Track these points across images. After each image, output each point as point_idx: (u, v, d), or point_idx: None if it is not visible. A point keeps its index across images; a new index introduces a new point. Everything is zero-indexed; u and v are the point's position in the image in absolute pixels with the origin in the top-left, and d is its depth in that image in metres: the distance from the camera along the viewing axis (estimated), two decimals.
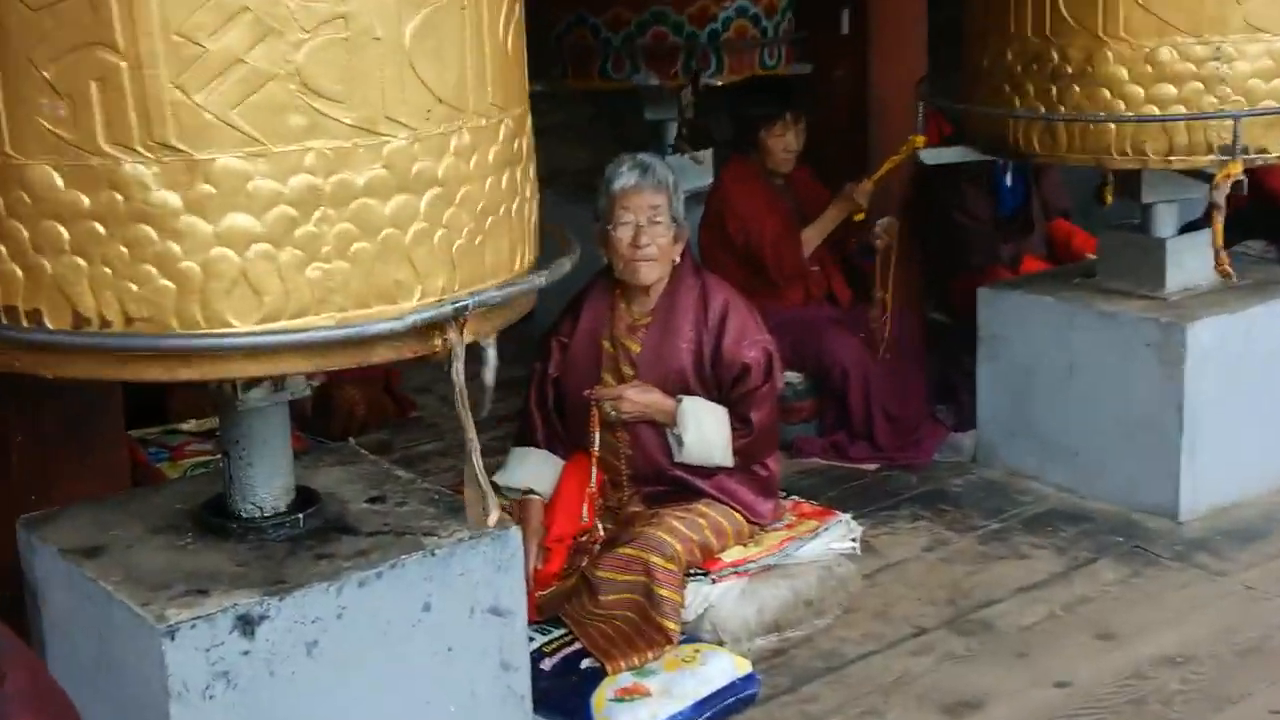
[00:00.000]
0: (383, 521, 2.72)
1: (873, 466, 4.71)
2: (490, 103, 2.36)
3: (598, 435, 3.56)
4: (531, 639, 3.24)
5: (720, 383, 3.56)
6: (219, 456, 2.82)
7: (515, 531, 2.72)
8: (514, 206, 2.46)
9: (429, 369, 5.74)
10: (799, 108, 4.96)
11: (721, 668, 3.27)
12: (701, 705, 3.19)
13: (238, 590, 2.44)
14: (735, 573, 3.51)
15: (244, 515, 2.65)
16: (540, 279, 2.46)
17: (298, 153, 2.16)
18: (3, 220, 2.19)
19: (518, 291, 2.43)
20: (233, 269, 2.17)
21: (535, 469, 3.61)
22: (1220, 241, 4.01)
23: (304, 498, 2.73)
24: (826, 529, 3.69)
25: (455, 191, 2.31)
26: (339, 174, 2.19)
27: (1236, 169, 3.95)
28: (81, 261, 2.16)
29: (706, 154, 6.07)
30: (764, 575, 3.56)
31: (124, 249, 2.15)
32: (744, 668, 3.30)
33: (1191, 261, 4.36)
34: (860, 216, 4.86)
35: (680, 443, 3.50)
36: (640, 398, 3.52)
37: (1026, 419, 4.57)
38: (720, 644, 3.41)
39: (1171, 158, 4.00)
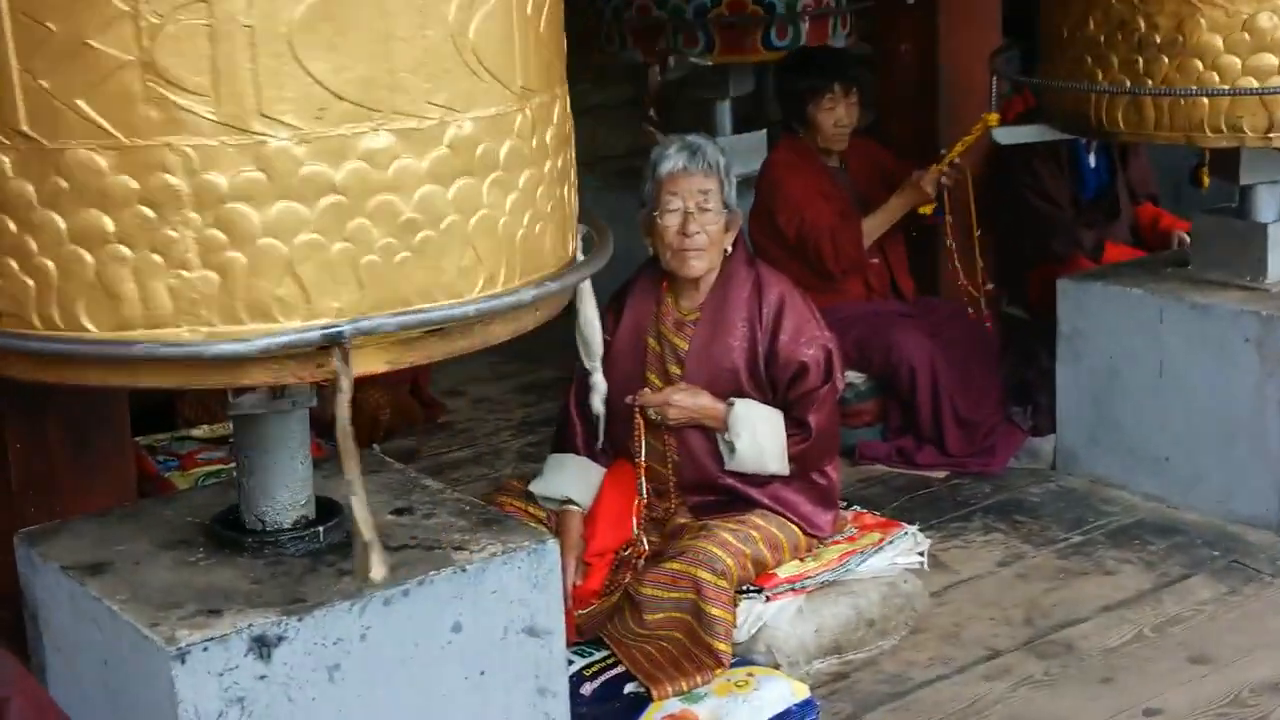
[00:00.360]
0: (409, 535, 2.72)
1: (942, 474, 4.69)
2: (428, 101, 2.21)
3: (643, 443, 3.55)
4: (570, 662, 3.25)
5: (775, 383, 3.55)
6: (232, 465, 2.83)
7: (553, 545, 2.71)
8: (468, 221, 2.29)
9: (459, 369, 5.78)
10: (851, 79, 4.90)
11: (777, 693, 3.25)
12: None
13: (253, 610, 2.45)
14: (792, 590, 3.49)
15: (260, 529, 2.66)
16: (461, 309, 2.29)
17: (156, 148, 2.12)
18: None
19: (416, 320, 2.25)
20: (88, 270, 2.16)
21: (574, 477, 3.60)
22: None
23: (324, 510, 2.73)
24: (891, 542, 3.68)
25: (362, 203, 2.19)
26: (203, 175, 2.14)
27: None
28: None
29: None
30: (823, 592, 3.55)
31: None
32: (801, 693, 3.28)
33: None
34: (928, 210, 4.81)
35: (732, 449, 3.49)
36: (688, 402, 3.51)
37: (1111, 422, 4.53)
38: (775, 667, 3.40)
39: (1271, 134, 3.95)
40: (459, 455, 5.02)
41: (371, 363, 2.25)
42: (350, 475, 2.26)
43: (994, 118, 4.50)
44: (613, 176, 6.28)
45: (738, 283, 3.58)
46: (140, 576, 2.59)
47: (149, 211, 2.14)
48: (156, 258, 2.15)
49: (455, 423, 5.29)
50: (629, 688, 3.28)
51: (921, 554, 3.72)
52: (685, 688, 3.24)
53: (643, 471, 3.57)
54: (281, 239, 2.17)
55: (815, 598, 3.53)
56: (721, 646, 3.28)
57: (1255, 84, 3.91)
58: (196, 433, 4.52)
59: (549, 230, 2.45)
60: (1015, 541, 4.24)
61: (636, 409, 3.53)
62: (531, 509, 3.59)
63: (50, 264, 2.18)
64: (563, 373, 3.69)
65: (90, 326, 2.18)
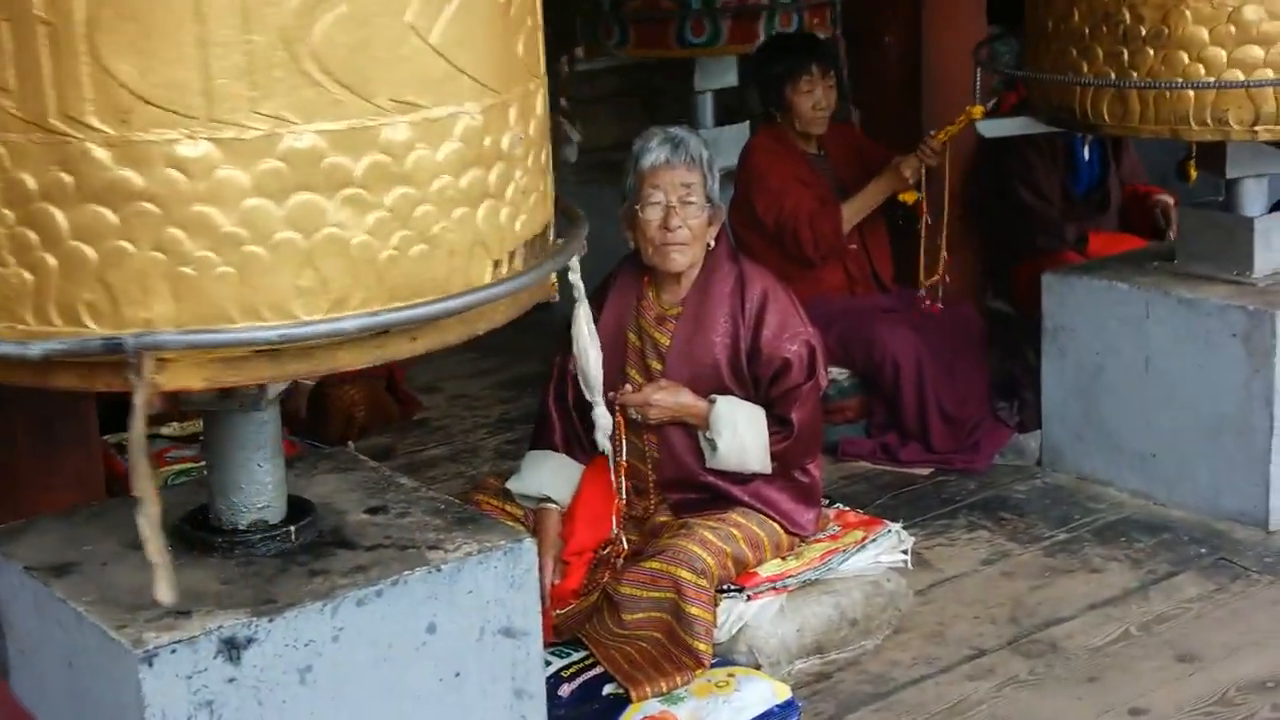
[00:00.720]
0: (383, 534, 2.71)
1: (926, 471, 4.68)
2: (254, 110, 2.09)
3: (623, 442, 3.53)
4: (548, 663, 3.23)
5: (758, 380, 3.54)
6: (202, 464, 2.81)
7: (530, 544, 2.70)
8: (308, 239, 2.16)
9: (436, 365, 5.76)
10: (828, 61, 4.91)
11: (758, 694, 3.25)
12: None
13: (223, 611, 2.43)
14: (773, 589, 3.49)
15: (230, 528, 2.64)
16: (272, 331, 2.17)
17: None
18: None
19: (214, 340, 2.14)
20: None
21: (552, 474, 3.59)
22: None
23: (296, 508, 2.71)
24: (874, 540, 3.67)
25: (173, 212, 2.09)
26: (13, 172, 2.09)
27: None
28: None
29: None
30: (805, 591, 3.54)
31: None
32: (783, 694, 3.28)
33: None
34: (910, 198, 4.80)
35: (714, 448, 3.48)
36: (669, 400, 3.49)
37: (1097, 418, 4.53)
38: (756, 667, 3.39)
39: (1258, 128, 3.95)
40: (435, 453, 5.01)
41: (187, 378, 2.16)
42: (140, 492, 2.15)
43: (979, 110, 4.49)
44: (593, 170, 6.27)
45: (720, 277, 3.57)
46: (107, 577, 2.57)
47: None
48: None
49: (432, 419, 5.28)
50: (608, 689, 3.27)
51: (905, 552, 3.72)
52: (665, 689, 3.23)
53: (622, 470, 3.56)
54: (89, 243, 2.11)
55: (797, 597, 3.52)
56: (702, 647, 3.27)
57: (1241, 76, 3.91)
58: (166, 430, 4.48)
59: (439, 254, 2.29)
60: (1000, 539, 4.24)
61: (616, 408, 3.51)
62: (509, 507, 3.57)
63: None
64: (543, 368, 3.67)
65: None
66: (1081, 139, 5.16)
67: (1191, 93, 3.94)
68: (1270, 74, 3.89)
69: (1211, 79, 3.92)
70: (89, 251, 2.11)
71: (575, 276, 2.55)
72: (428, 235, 2.27)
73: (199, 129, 2.09)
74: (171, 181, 2.10)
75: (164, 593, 2.18)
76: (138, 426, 2.11)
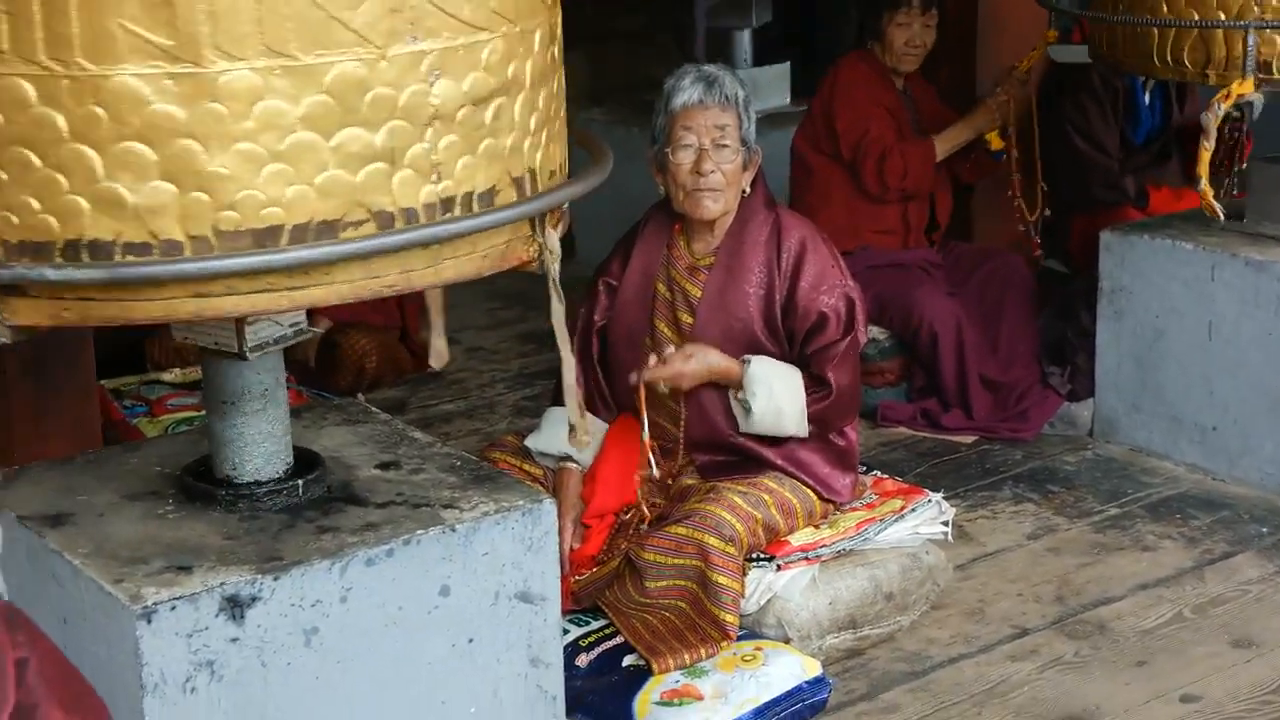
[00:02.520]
0: (395, 491, 2.72)
1: (970, 439, 4.69)
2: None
3: (646, 417, 3.50)
4: (566, 631, 3.25)
5: (792, 334, 3.54)
6: (205, 412, 2.83)
7: (550, 505, 2.71)
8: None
9: (453, 315, 5.75)
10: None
11: (787, 669, 3.26)
12: (762, 712, 3.18)
13: (226, 567, 2.45)
14: (805, 558, 3.49)
15: (234, 480, 2.66)
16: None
17: None
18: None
19: None
20: None
21: None
22: (1204, 173, 4.04)
23: (304, 462, 2.73)
24: (913, 510, 3.67)
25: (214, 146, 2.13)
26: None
27: (1245, 88, 4.00)
28: None
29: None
30: (838, 562, 3.55)
31: None
32: (813, 670, 3.29)
33: None
34: (996, 141, 4.85)
35: (747, 411, 3.48)
36: (698, 367, 3.47)
37: (1155, 387, 4.52)
38: (786, 641, 3.40)
39: (1208, 71, 4.04)
40: (450, 408, 5.03)
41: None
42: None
43: (1052, 34, 4.49)
44: (623, 109, 6.26)
45: (755, 226, 3.56)
46: (104, 529, 2.59)
47: None
48: None
49: (447, 372, 5.29)
50: (628, 660, 3.29)
51: (946, 524, 3.72)
52: (688, 661, 3.25)
53: (648, 446, 3.55)
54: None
55: (830, 568, 3.53)
56: (728, 618, 3.28)
57: (1196, 16, 4.01)
58: (167, 377, 4.52)
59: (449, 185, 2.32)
60: (1047, 513, 4.24)
61: (639, 390, 3.48)
62: (527, 466, 3.58)
63: None
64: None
65: None
66: (1142, 83, 5.12)
67: (1156, 31, 4.07)
68: (1217, 16, 4.01)
69: (1173, 19, 4.05)
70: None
71: (553, 266, 2.52)
72: (450, 170, 2.29)
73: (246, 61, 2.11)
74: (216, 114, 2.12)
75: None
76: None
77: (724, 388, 3.53)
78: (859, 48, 5.05)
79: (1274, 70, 4.07)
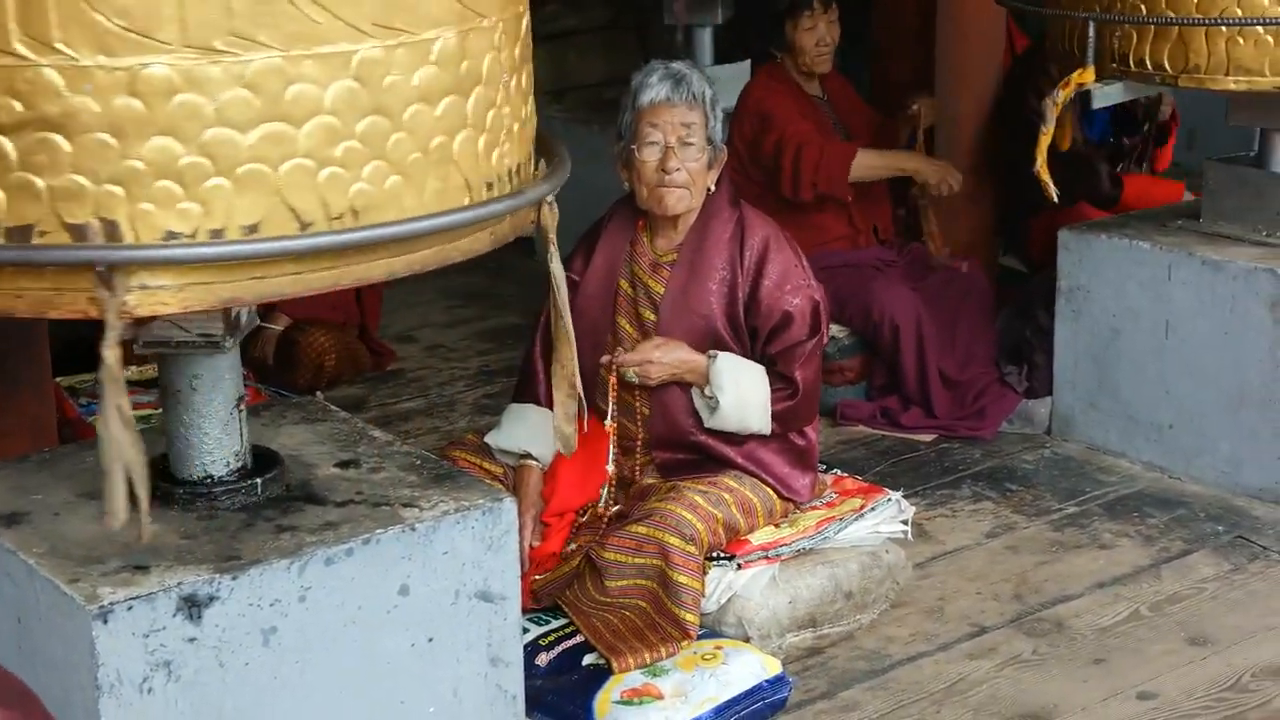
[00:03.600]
0: (355, 490, 2.71)
1: (929, 437, 4.70)
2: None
3: (613, 402, 3.52)
4: (526, 630, 3.24)
5: (755, 333, 3.54)
6: (161, 410, 2.81)
7: (510, 504, 2.71)
8: (272, 169, 2.16)
9: (412, 313, 5.74)
10: None
11: (747, 668, 3.26)
12: (722, 710, 3.19)
13: (183, 567, 2.44)
14: (765, 557, 3.50)
15: (191, 479, 2.65)
16: None
17: None
18: None
19: None
20: None
21: (535, 430, 3.58)
22: (1042, 157, 4.13)
23: (263, 460, 2.72)
24: (873, 509, 3.68)
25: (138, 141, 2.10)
26: None
27: (1086, 77, 4.08)
28: None
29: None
30: (798, 561, 3.56)
31: None
32: (773, 668, 3.29)
33: None
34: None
35: (713, 407, 3.48)
36: (668, 358, 3.48)
37: (1112, 386, 4.55)
38: (746, 640, 3.40)
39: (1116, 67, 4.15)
40: (410, 406, 5.01)
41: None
42: (110, 431, 2.16)
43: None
44: (582, 108, 6.25)
45: (719, 224, 3.56)
46: (59, 528, 2.57)
47: None
48: None
49: (406, 371, 5.28)
50: (588, 659, 3.29)
51: (905, 523, 3.73)
52: (648, 660, 3.24)
53: (612, 438, 3.55)
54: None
55: (790, 567, 3.54)
56: (689, 617, 3.28)
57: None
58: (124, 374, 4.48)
59: (411, 184, 2.31)
60: (1005, 511, 4.25)
61: (612, 370, 3.49)
62: (487, 464, 3.58)
63: None
64: (525, 319, 3.68)
65: None
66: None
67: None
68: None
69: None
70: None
71: (555, 264, 2.53)
72: (401, 165, 2.27)
73: (167, 53, 2.07)
74: (133, 109, 2.08)
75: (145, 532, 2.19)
76: (109, 350, 2.09)
77: (687, 386, 3.53)
78: (765, 56, 5.02)
79: (1130, 64, 4.17)
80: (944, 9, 5.23)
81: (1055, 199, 4.18)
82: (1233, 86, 4.05)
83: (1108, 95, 4.43)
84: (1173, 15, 4.03)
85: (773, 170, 4.78)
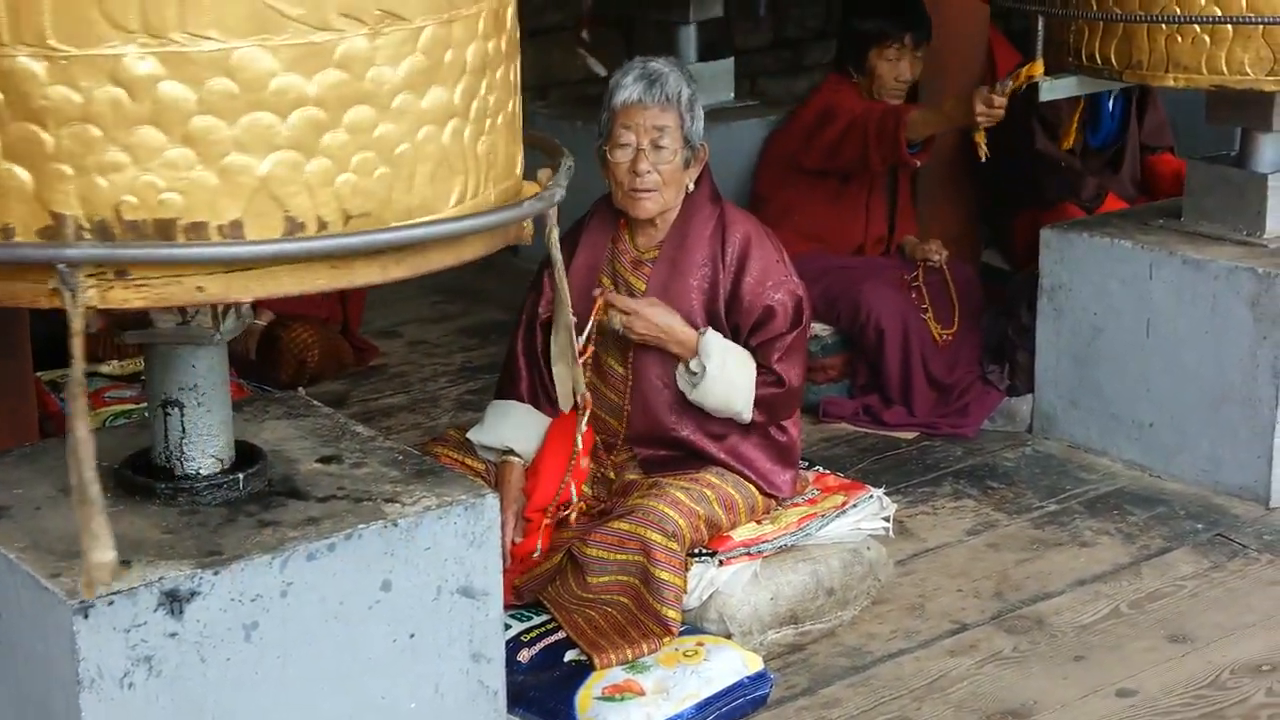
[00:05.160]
0: (337, 485, 2.71)
1: (911, 435, 4.71)
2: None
3: (591, 325, 3.47)
4: (508, 626, 3.25)
5: (737, 329, 3.54)
6: (144, 405, 2.81)
7: (492, 499, 2.71)
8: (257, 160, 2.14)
9: (396, 309, 5.74)
10: (924, 33, 4.90)
11: (728, 664, 3.27)
12: (704, 707, 3.19)
13: (165, 562, 2.43)
14: (747, 554, 3.50)
15: (174, 474, 2.64)
16: None
17: None
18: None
19: None
20: None
21: (517, 426, 3.59)
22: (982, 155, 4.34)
23: (245, 455, 2.71)
24: (855, 506, 3.69)
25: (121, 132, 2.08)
26: None
27: (1036, 70, 4.19)
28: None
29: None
30: (780, 558, 3.56)
31: None
32: (754, 665, 3.30)
33: None
34: (981, 138, 4.68)
35: (697, 380, 3.45)
36: (659, 318, 3.46)
37: (1093, 384, 4.56)
38: (727, 637, 3.41)
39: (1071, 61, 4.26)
40: (392, 402, 5.00)
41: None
42: (77, 434, 2.13)
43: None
44: (565, 104, 6.24)
45: (700, 221, 3.56)
46: (41, 523, 2.57)
47: None
48: None
49: (389, 366, 5.27)
50: (569, 655, 3.29)
51: (887, 520, 3.74)
52: (630, 656, 3.25)
53: (587, 356, 3.52)
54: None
55: (772, 563, 3.54)
56: (670, 613, 3.29)
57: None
58: (105, 369, 4.47)
59: (400, 177, 2.30)
60: (987, 509, 4.26)
61: (596, 304, 3.47)
62: (470, 461, 3.58)
63: None
64: (508, 315, 3.67)
65: None
66: (1109, 91, 5.14)
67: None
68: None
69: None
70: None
71: (555, 251, 2.53)
72: (389, 157, 2.25)
73: (144, 44, 2.06)
74: (114, 100, 2.07)
75: (102, 553, 2.13)
76: (76, 356, 2.08)
77: (670, 378, 3.52)
78: (836, 70, 5.04)
79: (1083, 59, 4.23)
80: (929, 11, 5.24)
81: (982, 156, 4.40)
82: (1172, 84, 4.09)
83: (1057, 89, 4.46)
84: (1119, 12, 4.08)
85: (836, 152, 4.79)
